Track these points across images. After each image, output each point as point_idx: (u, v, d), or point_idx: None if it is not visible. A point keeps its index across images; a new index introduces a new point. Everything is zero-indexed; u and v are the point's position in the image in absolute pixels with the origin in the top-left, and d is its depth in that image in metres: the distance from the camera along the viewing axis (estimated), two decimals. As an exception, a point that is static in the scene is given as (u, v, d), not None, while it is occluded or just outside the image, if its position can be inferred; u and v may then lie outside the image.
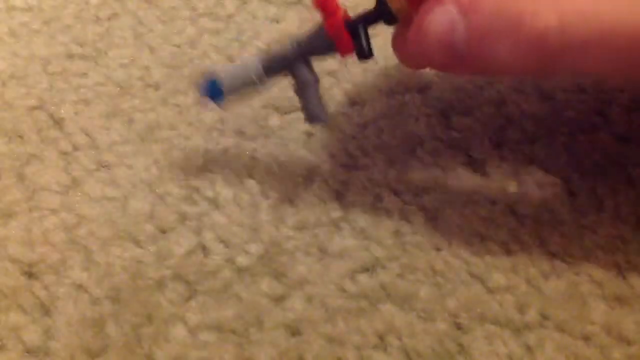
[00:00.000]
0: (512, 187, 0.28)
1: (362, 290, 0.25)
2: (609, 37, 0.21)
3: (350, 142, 0.29)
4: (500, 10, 0.22)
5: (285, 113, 0.30)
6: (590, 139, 0.29)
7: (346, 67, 0.31)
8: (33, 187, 0.28)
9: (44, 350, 0.24)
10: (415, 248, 0.26)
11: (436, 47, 0.23)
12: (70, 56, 0.33)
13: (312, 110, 0.26)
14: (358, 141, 0.29)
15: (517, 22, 0.21)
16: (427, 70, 0.30)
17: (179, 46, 0.33)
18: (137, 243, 0.27)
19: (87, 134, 0.30)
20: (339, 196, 0.28)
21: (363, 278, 0.26)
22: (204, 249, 0.26)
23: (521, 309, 0.25)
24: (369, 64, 0.31)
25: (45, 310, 0.25)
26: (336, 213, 0.27)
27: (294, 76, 0.26)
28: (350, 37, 0.25)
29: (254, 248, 0.26)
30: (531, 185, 0.28)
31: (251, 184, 0.28)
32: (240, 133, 0.30)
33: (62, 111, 0.31)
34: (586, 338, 0.24)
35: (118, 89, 0.32)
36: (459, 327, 0.24)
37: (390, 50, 0.26)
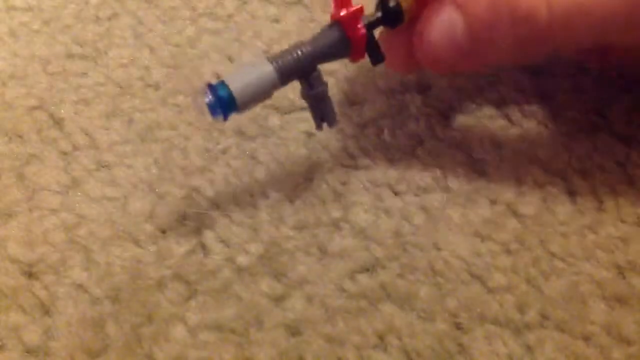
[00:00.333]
0: (512, 187, 0.28)
1: (362, 290, 0.25)
2: (587, 8, 0.23)
3: (350, 142, 0.29)
4: (494, 0, 0.24)
5: (285, 113, 0.30)
6: (590, 139, 0.29)
7: (346, 67, 0.31)
8: (33, 187, 0.28)
9: (44, 350, 0.24)
10: (415, 248, 0.26)
11: (442, 47, 0.25)
12: (70, 56, 0.33)
13: (327, 118, 0.26)
14: (358, 141, 0.29)
15: (510, 5, 0.23)
16: (427, 70, 0.30)
17: (179, 46, 0.33)
18: (137, 243, 0.27)
19: (87, 134, 0.30)
20: (339, 196, 0.28)
21: (363, 278, 0.26)
22: (204, 249, 0.26)
23: (521, 309, 0.25)
24: (368, 64, 0.31)
25: (45, 310, 0.25)
26: (336, 213, 0.27)
27: (309, 84, 0.25)
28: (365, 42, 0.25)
29: (254, 248, 0.26)
30: (531, 185, 0.28)
31: (251, 184, 0.28)
32: (240, 133, 0.30)
33: (62, 111, 0.31)
34: (586, 338, 0.24)
35: (118, 89, 0.32)
36: (459, 327, 0.24)
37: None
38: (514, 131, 0.29)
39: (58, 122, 0.30)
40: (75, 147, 0.29)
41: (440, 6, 0.25)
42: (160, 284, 0.25)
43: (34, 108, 0.31)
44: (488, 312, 0.25)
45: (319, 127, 0.26)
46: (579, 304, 0.25)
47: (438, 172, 0.28)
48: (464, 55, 0.25)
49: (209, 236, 0.27)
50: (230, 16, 0.34)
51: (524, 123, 0.30)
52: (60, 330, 0.24)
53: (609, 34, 0.24)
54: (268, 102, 0.30)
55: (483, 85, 0.31)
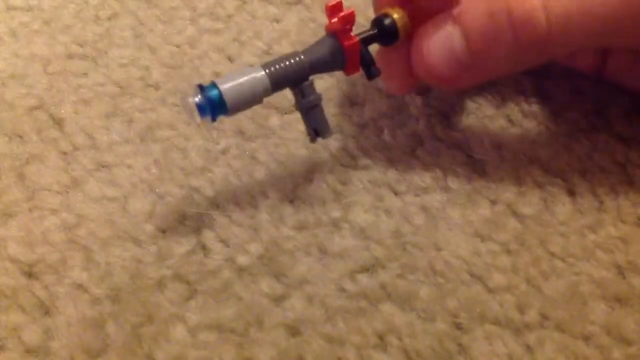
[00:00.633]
0: (512, 187, 0.28)
1: (362, 290, 0.25)
2: (586, 9, 0.23)
3: (350, 142, 0.29)
4: (489, 7, 0.24)
5: (285, 113, 0.30)
6: (590, 139, 0.29)
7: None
8: (33, 187, 0.28)
9: (44, 350, 0.24)
10: (415, 248, 0.26)
11: (442, 63, 0.25)
12: (70, 56, 0.33)
13: (319, 129, 0.25)
14: (358, 141, 0.29)
15: (507, 11, 0.23)
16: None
17: (179, 46, 0.33)
18: (137, 243, 0.27)
19: (87, 134, 0.30)
20: (339, 196, 0.28)
21: (363, 278, 0.26)
22: (204, 249, 0.26)
23: (521, 309, 0.25)
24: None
25: (45, 310, 0.25)
26: (336, 213, 0.27)
27: (302, 95, 0.25)
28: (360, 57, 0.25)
29: (254, 248, 0.26)
30: (531, 185, 0.28)
31: (251, 184, 0.28)
32: (240, 133, 0.30)
33: (62, 111, 0.31)
34: (586, 338, 0.24)
35: (118, 89, 0.32)
36: (459, 327, 0.24)
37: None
38: (514, 131, 0.29)
39: (58, 122, 0.30)
40: (75, 147, 0.29)
41: (437, 22, 0.25)
42: (160, 284, 0.25)
43: (34, 108, 0.31)
44: (488, 312, 0.25)
45: (312, 139, 0.26)
46: (579, 304, 0.25)
47: (438, 172, 0.28)
48: (464, 69, 0.25)
49: (209, 236, 0.27)
50: (230, 16, 0.34)
51: (524, 123, 0.30)
52: (60, 330, 0.24)
53: (609, 36, 0.24)
54: (268, 102, 0.30)
55: (483, 85, 0.31)
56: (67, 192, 0.28)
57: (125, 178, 0.28)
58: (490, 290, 0.25)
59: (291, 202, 0.28)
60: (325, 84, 0.31)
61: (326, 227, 0.27)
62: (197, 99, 0.23)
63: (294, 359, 0.24)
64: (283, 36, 0.33)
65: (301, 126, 0.30)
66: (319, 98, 0.25)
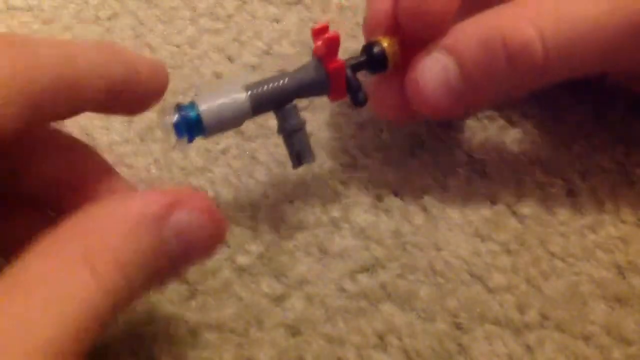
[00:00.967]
0: (512, 187, 0.28)
1: (362, 290, 0.25)
2: (582, 34, 0.23)
3: (350, 142, 0.29)
4: (483, 36, 0.23)
5: (285, 113, 0.30)
6: (590, 140, 0.29)
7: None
8: (33, 187, 0.28)
9: (43, 350, 0.24)
10: (415, 248, 0.26)
11: (437, 93, 0.24)
12: (70, 56, 0.33)
13: (302, 154, 0.25)
14: (358, 141, 0.29)
15: (501, 40, 0.23)
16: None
17: (179, 46, 0.33)
18: (137, 243, 0.26)
19: (87, 134, 0.30)
20: (339, 196, 0.28)
21: (363, 278, 0.26)
22: (204, 249, 0.26)
23: (521, 309, 0.25)
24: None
25: (45, 310, 0.25)
26: (336, 213, 0.27)
27: (284, 119, 0.24)
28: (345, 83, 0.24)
29: (254, 248, 0.26)
30: (531, 185, 0.28)
31: (251, 184, 0.28)
32: (240, 133, 0.30)
33: (62, 111, 0.31)
34: (586, 338, 0.24)
35: (118, 89, 0.32)
36: (459, 327, 0.24)
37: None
38: (514, 131, 0.29)
39: (58, 122, 0.30)
40: (75, 147, 0.29)
41: (430, 52, 0.24)
42: (160, 284, 0.25)
43: (34, 108, 0.31)
44: (488, 312, 0.25)
45: (294, 164, 0.25)
46: (579, 304, 0.25)
47: (438, 172, 0.28)
48: (460, 98, 0.24)
49: (209, 236, 0.26)
50: (230, 16, 0.34)
51: (524, 123, 0.30)
52: (60, 330, 0.24)
53: (608, 61, 0.24)
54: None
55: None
56: (67, 192, 0.28)
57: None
58: (490, 290, 0.25)
59: (291, 202, 0.28)
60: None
61: (326, 227, 0.27)
62: (174, 119, 0.23)
63: (294, 359, 0.24)
64: (283, 36, 0.33)
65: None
66: (302, 122, 0.24)
